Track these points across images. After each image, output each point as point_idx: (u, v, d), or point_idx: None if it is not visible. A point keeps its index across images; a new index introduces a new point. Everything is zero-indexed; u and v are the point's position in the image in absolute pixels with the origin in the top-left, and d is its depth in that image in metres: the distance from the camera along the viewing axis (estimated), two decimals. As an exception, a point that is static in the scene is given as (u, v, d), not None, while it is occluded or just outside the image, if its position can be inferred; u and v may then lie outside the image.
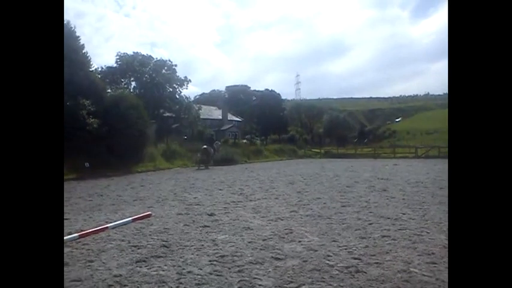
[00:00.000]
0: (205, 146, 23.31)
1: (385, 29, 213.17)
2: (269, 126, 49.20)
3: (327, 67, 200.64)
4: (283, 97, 58.23)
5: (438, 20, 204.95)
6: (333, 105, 73.86)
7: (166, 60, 35.25)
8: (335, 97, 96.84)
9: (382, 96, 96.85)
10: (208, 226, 6.19)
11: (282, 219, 6.64)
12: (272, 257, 4.46)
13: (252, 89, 61.04)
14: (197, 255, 4.60)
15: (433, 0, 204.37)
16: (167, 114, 35.36)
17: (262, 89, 56.29)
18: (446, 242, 4.95)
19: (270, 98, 52.06)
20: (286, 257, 4.44)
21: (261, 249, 4.79)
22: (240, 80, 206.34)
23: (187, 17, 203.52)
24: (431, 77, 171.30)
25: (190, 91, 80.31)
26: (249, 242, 5.13)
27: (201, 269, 4.06)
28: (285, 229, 5.87)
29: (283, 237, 5.37)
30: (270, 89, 54.89)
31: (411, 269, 3.97)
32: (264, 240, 5.25)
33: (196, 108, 37.10)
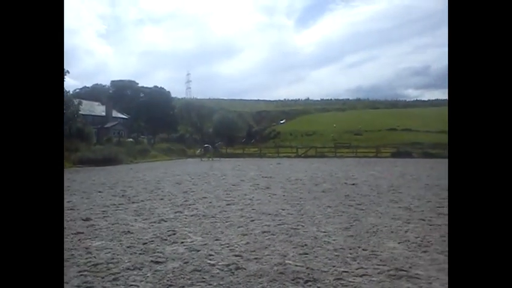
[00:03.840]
0: (206, 145, 32.64)
1: (273, 35, 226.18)
2: (158, 125, 47.46)
3: (218, 67, 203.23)
4: (173, 95, 56.97)
5: (317, 32, 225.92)
6: (223, 106, 74.97)
7: (37, 47, 30.99)
8: (225, 98, 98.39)
9: (268, 99, 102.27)
10: (82, 232, 5.63)
11: (165, 221, 6.44)
12: (152, 260, 4.27)
13: (140, 85, 58.12)
14: (64, 266, 4.13)
15: (312, 14, 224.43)
16: (38, 108, 31.09)
17: (151, 85, 53.95)
18: (318, 234, 5.45)
19: (159, 96, 50.26)
20: (167, 260, 4.30)
21: (140, 254, 4.54)
22: (127, 75, 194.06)
23: None
24: (311, 84, 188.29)
25: (68, 84, 72.30)
26: (128, 247, 4.83)
27: (67, 283, 3.64)
28: (168, 231, 5.70)
29: (166, 240, 5.20)
30: (159, 86, 52.95)
31: (286, 261, 4.24)
32: (144, 243, 5.00)
33: (76, 103, 33.58)
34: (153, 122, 46.72)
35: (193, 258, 4.38)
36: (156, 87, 52.73)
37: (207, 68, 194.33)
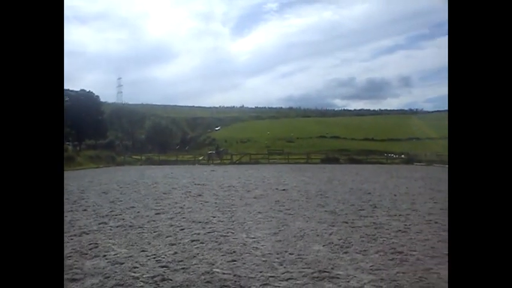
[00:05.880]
0: (210, 152, 35.47)
1: (209, 41, 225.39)
2: (84, 131, 44.42)
3: (151, 72, 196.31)
4: (102, 100, 53.85)
5: (251, 41, 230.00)
6: (156, 112, 72.88)
7: None
8: (159, 103, 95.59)
9: (203, 105, 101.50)
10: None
11: (87, 233, 6.02)
12: (67, 278, 3.95)
13: (65, 88, 54.06)
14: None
15: (247, 23, 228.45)
16: None
17: (77, 89, 50.22)
18: (247, 240, 5.49)
19: (86, 100, 47.09)
20: (85, 276, 4.01)
21: (55, 271, 4.18)
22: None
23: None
24: (246, 91, 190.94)
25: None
26: (41, 264, 4.41)
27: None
28: (90, 244, 5.33)
29: (86, 254, 4.86)
30: (87, 90, 49.60)
31: (214, 270, 4.20)
32: (61, 259, 4.61)
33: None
34: (80, 127, 43.63)
35: (116, 272, 4.14)
36: (83, 90, 49.36)
37: (140, 73, 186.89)
